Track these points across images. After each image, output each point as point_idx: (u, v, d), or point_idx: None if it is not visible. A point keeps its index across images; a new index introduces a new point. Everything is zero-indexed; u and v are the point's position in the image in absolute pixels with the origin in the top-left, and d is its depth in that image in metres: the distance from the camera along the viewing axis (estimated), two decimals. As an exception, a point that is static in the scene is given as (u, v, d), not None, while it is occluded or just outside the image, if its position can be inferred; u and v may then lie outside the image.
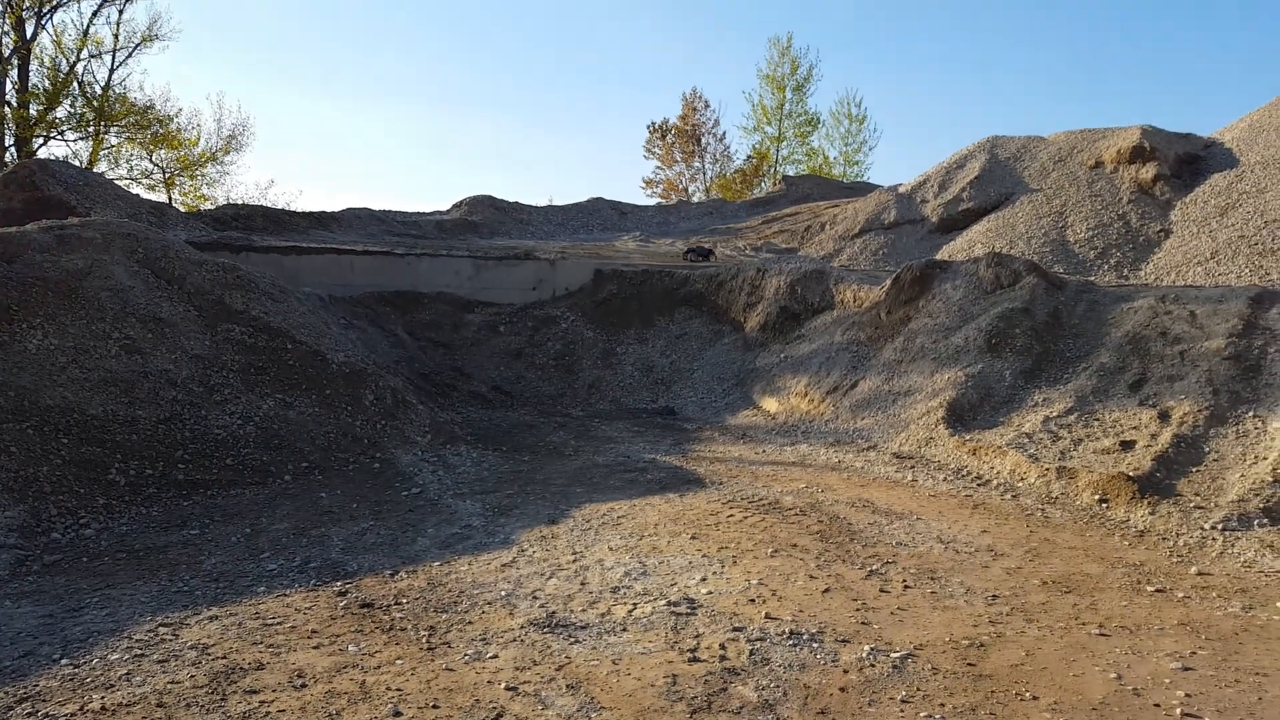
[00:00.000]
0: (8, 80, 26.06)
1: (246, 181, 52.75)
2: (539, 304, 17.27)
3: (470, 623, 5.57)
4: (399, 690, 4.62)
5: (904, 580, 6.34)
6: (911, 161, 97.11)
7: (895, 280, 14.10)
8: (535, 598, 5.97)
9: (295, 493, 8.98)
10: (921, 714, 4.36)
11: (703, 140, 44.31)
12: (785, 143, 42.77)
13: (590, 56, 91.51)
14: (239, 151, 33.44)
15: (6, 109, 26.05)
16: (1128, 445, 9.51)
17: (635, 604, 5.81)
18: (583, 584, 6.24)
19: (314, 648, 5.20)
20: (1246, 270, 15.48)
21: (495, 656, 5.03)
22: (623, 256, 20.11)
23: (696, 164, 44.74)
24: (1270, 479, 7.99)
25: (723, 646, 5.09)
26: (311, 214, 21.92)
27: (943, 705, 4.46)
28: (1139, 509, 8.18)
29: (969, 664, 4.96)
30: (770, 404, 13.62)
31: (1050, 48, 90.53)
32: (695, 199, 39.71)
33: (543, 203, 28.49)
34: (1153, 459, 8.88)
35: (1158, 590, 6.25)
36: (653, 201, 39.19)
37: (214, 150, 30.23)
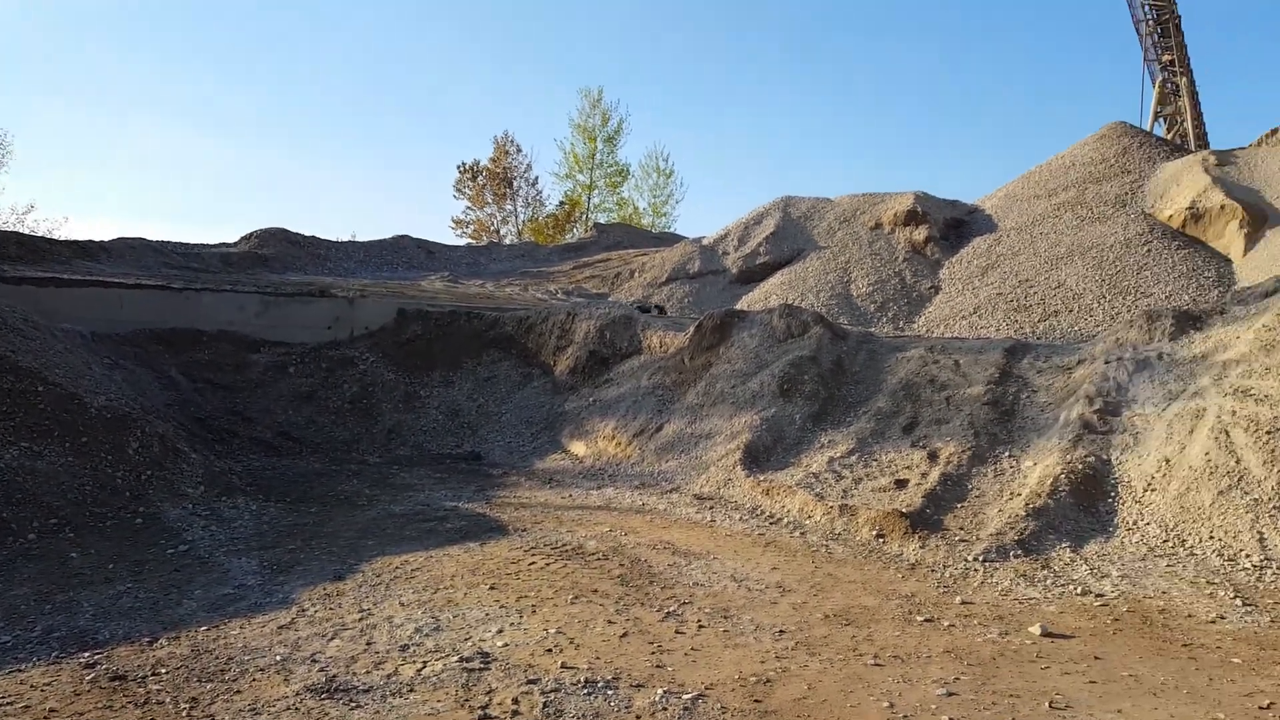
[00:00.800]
0: None
1: (1, 206, 47.26)
2: (335, 344, 16.43)
3: (239, 692, 5.09)
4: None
5: (699, 620, 6.45)
6: (716, 214, 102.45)
7: (698, 327, 14.62)
8: (314, 661, 5.55)
9: (40, 553, 7.94)
10: (710, 756, 4.42)
11: (514, 184, 44.47)
12: (596, 191, 43.85)
13: (402, 93, 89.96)
14: (-4, 171, 29.92)
15: None
16: (902, 484, 10.26)
17: (425, 662, 5.53)
18: (369, 644, 5.88)
19: (47, 731, 4.57)
20: (1004, 324, 17.37)
21: (265, 728, 4.62)
22: (429, 296, 19.61)
23: (508, 206, 44.77)
24: (1024, 513, 8.86)
25: (515, 701, 4.94)
26: (76, 243, 19.89)
27: (730, 745, 4.54)
28: (911, 543, 8.80)
29: (755, 700, 5.09)
30: (578, 447, 13.64)
31: (840, 114, 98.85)
32: (507, 241, 39.64)
33: (345, 238, 27.41)
34: (923, 496, 9.62)
35: (926, 620, 6.70)
36: (463, 242, 38.70)
37: (-42, 169, 26.94)
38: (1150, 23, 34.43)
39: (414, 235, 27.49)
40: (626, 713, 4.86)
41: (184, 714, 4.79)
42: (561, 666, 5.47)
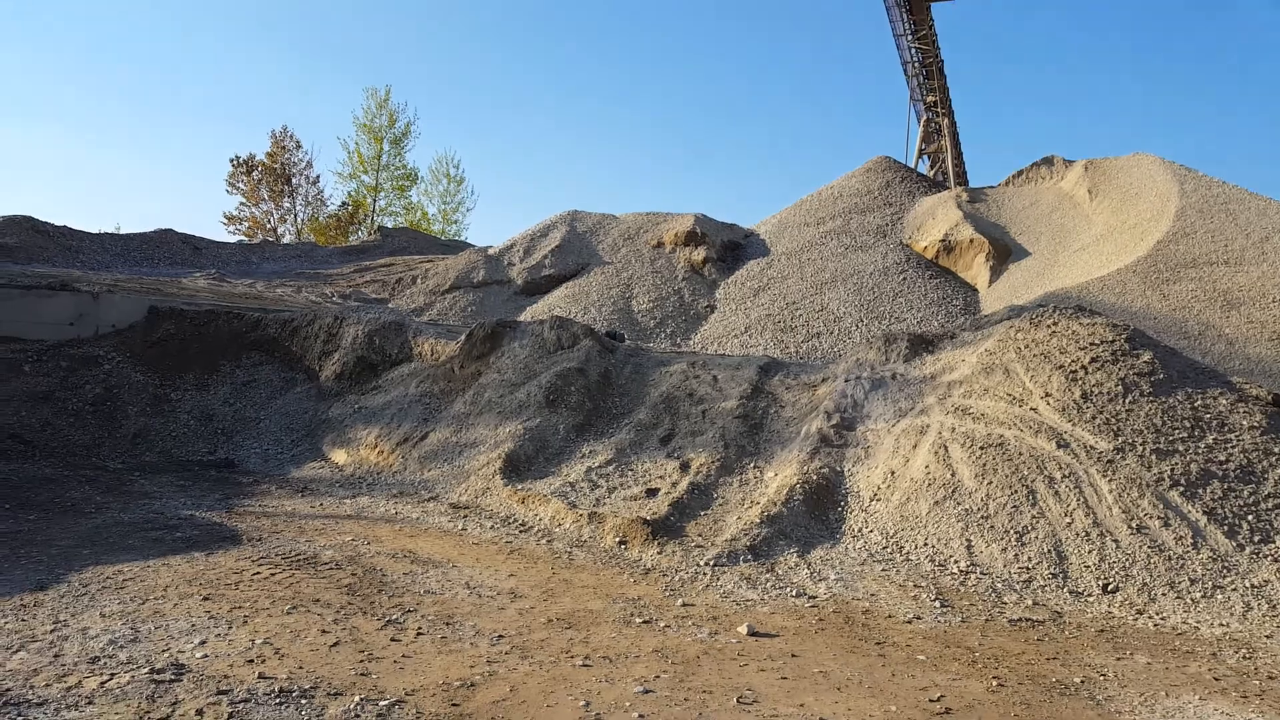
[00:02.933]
0: None
1: None
2: (78, 341, 15.15)
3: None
4: None
5: (419, 627, 6.62)
6: (512, 224, 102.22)
7: (469, 336, 14.75)
8: (-13, 677, 5.25)
9: None
10: (389, 756, 4.62)
11: (294, 181, 42.41)
12: (383, 194, 42.65)
13: (175, 78, 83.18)
14: None
15: None
16: (653, 492, 10.85)
17: (113, 674, 5.36)
18: (56, 656, 5.61)
19: None
20: (772, 343, 18.58)
21: (-91, 752, 4.35)
22: (189, 295, 18.45)
23: (287, 204, 42.59)
24: (758, 520, 9.49)
25: (199, 713, 4.92)
26: None
27: (414, 748, 4.76)
28: (650, 549, 9.29)
29: (454, 704, 5.33)
30: (340, 455, 13.37)
31: (634, 128, 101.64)
32: (285, 240, 37.76)
33: (105, 229, 25.15)
34: (670, 504, 10.19)
35: (644, 621, 7.09)
36: (235, 239, 36.48)
37: None
38: (915, 64, 36.65)
39: (180, 230, 25.71)
40: None
41: None
42: (259, 677, 5.47)
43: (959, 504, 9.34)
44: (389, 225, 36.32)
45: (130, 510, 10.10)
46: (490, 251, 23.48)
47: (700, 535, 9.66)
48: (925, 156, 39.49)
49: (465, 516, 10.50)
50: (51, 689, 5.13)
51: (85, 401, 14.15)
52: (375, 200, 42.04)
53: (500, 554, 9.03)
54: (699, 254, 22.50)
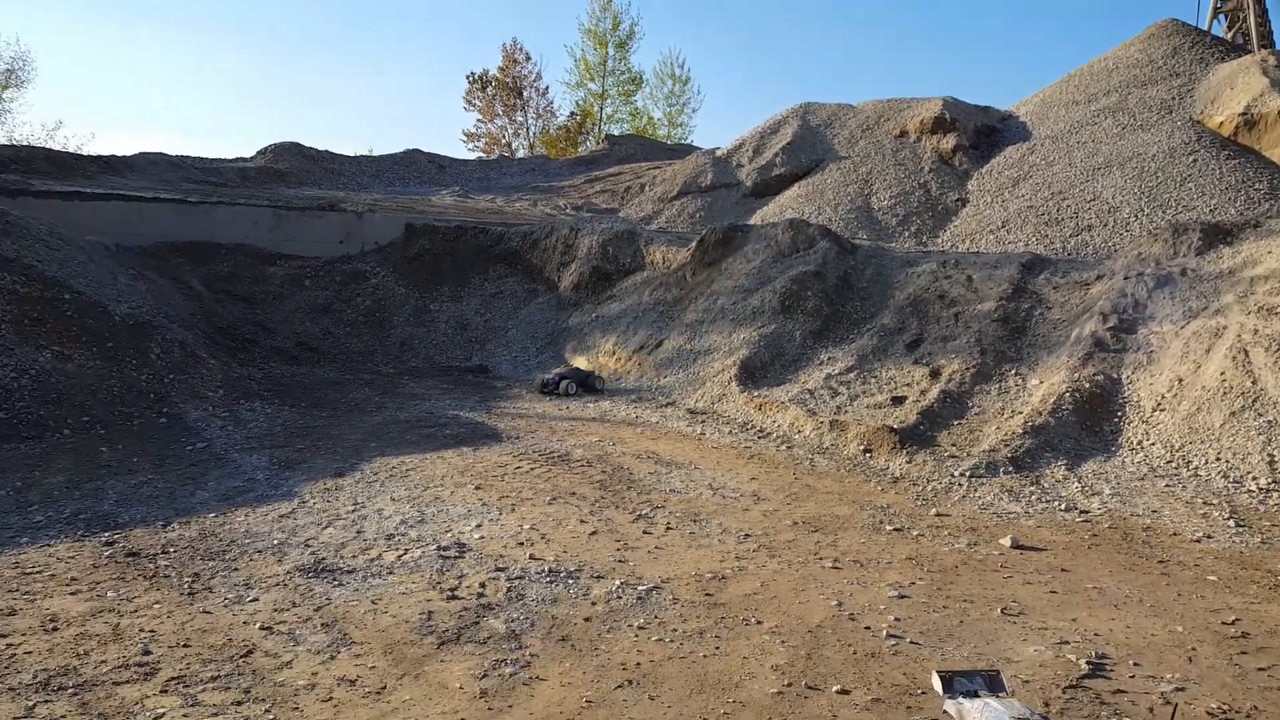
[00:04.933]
0: None
1: (31, 121, 47.54)
2: (347, 258, 16.80)
3: (236, 570, 5.61)
4: (152, 632, 4.67)
5: (668, 523, 6.85)
6: (737, 125, 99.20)
7: (700, 243, 14.74)
8: (307, 546, 6.06)
9: (74, 447, 8.56)
10: (653, 638, 4.83)
11: (524, 94, 43.59)
12: (609, 100, 42.90)
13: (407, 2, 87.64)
14: (19, 88, 30.12)
15: None
16: (899, 400, 10.44)
17: (406, 549, 6.01)
18: (358, 532, 6.37)
19: (71, 594, 5.17)
20: (1034, 238, 16.89)
21: (255, 600, 5.13)
22: (438, 211, 19.81)
23: (519, 118, 43.99)
24: (1021, 430, 8.82)
25: (482, 585, 5.40)
26: (101, 158, 20.24)
27: (674, 630, 4.94)
28: (898, 458, 8.97)
29: (707, 594, 5.49)
30: (580, 362, 14.01)
31: (864, 15, 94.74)
32: (519, 154, 39.18)
33: (360, 152, 27.41)
34: (919, 412, 9.74)
35: (895, 529, 6.94)
36: (474, 156, 38.28)
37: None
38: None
39: (426, 150, 27.49)
40: (583, 599, 5.30)
41: (185, 586, 5.32)
42: (530, 558, 5.91)
43: (1261, 415, 8.24)
44: (615, 133, 36.67)
45: (405, 409, 11.19)
46: (718, 154, 23.10)
47: (954, 445, 9.18)
48: (1221, 16, 33.73)
49: (703, 421, 10.67)
50: (358, 560, 5.83)
51: (358, 313, 15.74)
52: (602, 108, 42.62)
53: (740, 458, 9.12)
54: (948, 142, 20.68)
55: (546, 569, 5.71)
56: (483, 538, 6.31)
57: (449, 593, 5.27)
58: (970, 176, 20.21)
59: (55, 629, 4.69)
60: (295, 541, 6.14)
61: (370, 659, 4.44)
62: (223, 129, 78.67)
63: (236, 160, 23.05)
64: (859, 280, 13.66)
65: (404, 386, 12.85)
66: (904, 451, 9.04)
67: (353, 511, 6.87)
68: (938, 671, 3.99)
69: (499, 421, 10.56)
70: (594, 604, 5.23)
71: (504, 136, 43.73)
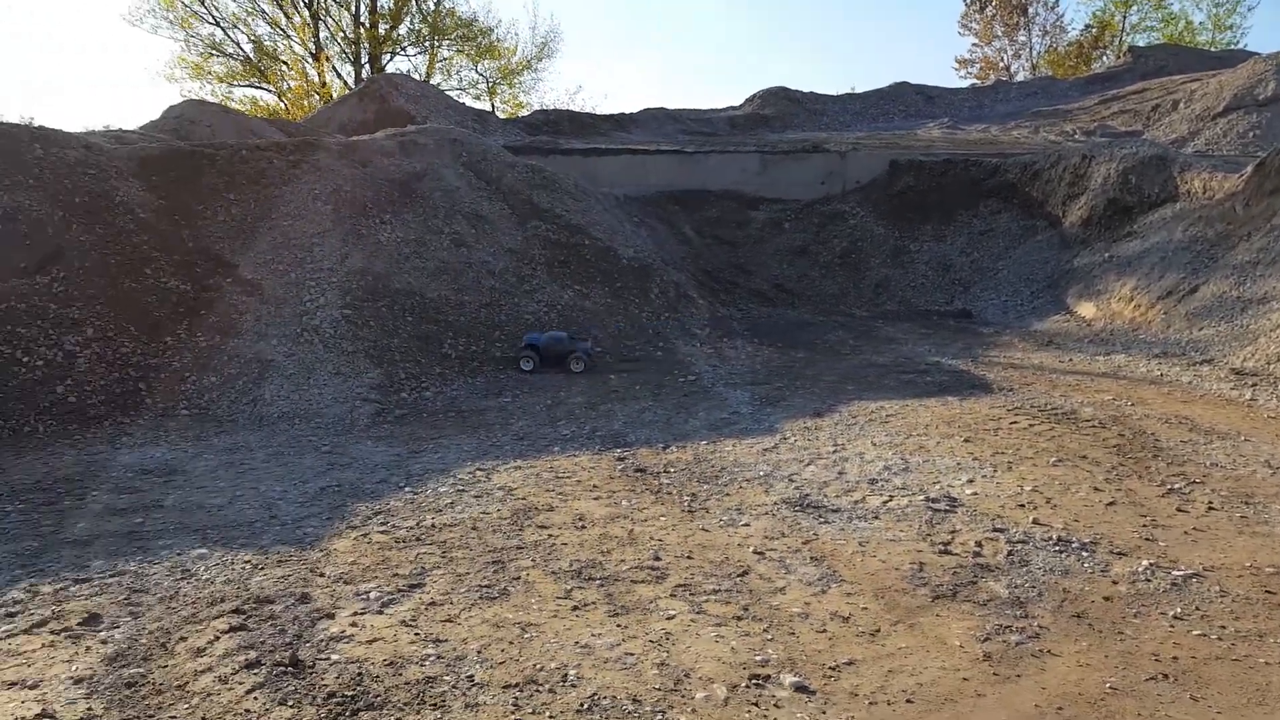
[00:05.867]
0: (362, 4, 29.67)
1: (558, 88, 55.67)
2: (826, 199, 16.76)
3: (728, 495, 5.88)
4: (660, 541, 5.08)
5: (1209, 502, 5.62)
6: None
7: (1259, 167, 11.86)
8: (791, 480, 6.12)
9: (588, 374, 9.82)
10: (1194, 632, 3.95)
11: (1029, 9, 39.09)
12: (1135, 7, 36.62)
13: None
14: (550, 58, 35.17)
15: (361, 29, 29.74)
16: None
17: (891, 496, 5.75)
18: (840, 473, 6.27)
19: (594, 499, 5.86)
20: None
21: (747, 525, 5.30)
22: (924, 145, 18.81)
23: (1021, 37, 39.67)
24: None
25: (979, 544, 4.91)
26: (612, 117, 22.82)
27: (1224, 627, 3.99)
28: None
29: (1268, 591, 4.36)
30: (1086, 309, 12.32)
31: None
32: (1019, 77, 35.39)
33: (843, 90, 27.04)
34: None
35: None
36: (966, 83, 35.45)
37: (528, 58, 32.28)
38: None
39: (913, 82, 26.16)
40: (1102, 576, 4.53)
41: (685, 504, 5.71)
42: (1033, 522, 5.25)
43: None
44: (1141, 45, 31.32)
45: (881, 353, 10.88)
46: (1280, 60, 18.49)
47: None
48: None
49: (1254, 385, 8.64)
50: (842, 500, 5.73)
51: (833, 255, 15.71)
52: (1125, 18, 36.72)
53: (1310, 432, 7.19)
54: None
55: (1054, 536, 5.02)
56: (975, 494, 5.78)
57: (941, 546, 4.89)
58: None
59: (583, 527, 5.34)
60: (779, 475, 6.25)
61: (861, 599, 4.28)
62: (713, 79, 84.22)
63: (726, 109, 24.39)
64: None
65: (879, 330, 12.53)
66: None
67: (833, 452, 6.80)
68: None
69: (987, 371, 9.71)
70: (1115, 583, 4.45)
71: (1002, 60, 40.09)
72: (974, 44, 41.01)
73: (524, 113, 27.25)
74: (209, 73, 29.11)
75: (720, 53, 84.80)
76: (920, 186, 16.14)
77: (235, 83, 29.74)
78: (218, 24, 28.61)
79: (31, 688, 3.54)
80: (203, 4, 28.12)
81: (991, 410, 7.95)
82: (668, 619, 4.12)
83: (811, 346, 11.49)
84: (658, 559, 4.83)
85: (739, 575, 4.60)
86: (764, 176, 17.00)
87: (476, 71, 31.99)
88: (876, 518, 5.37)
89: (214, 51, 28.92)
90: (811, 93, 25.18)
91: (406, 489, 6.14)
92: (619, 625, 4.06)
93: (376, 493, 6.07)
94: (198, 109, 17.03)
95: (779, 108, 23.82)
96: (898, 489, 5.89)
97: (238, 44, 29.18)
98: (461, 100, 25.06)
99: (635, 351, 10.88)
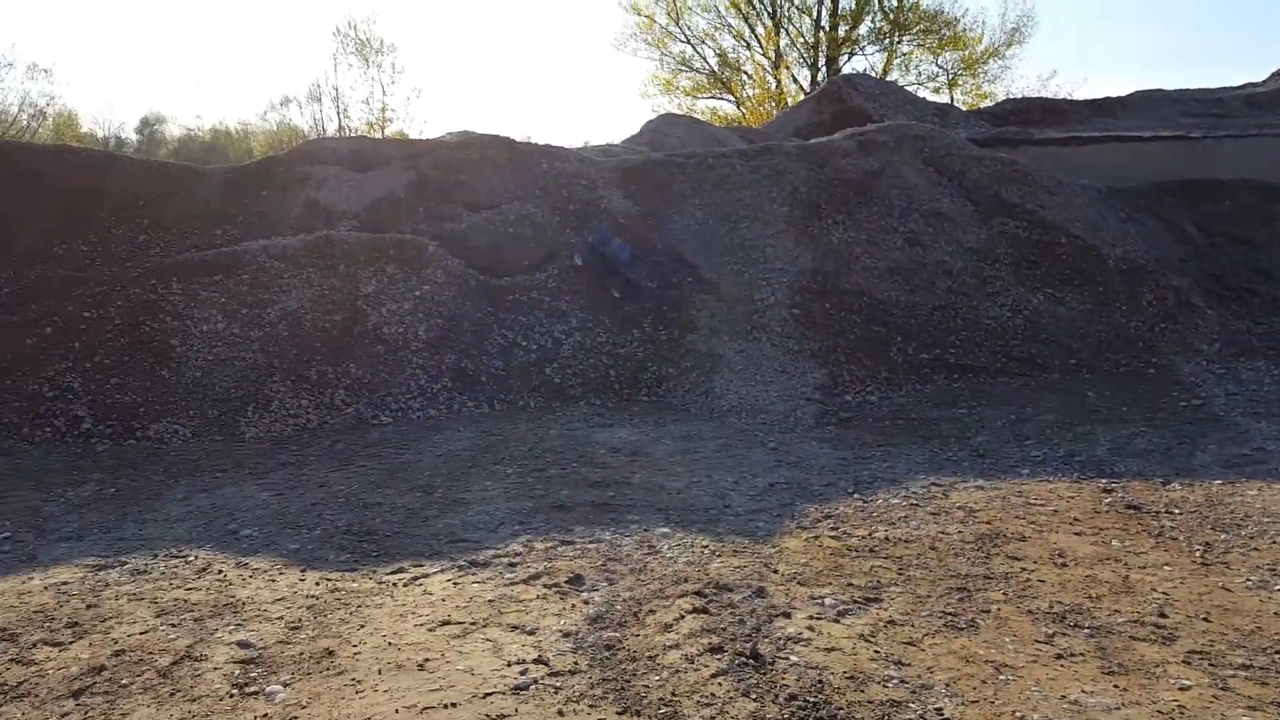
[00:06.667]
0: (823, 8, 30.19)
1: (1027, 75, 51.10)
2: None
3: (1256, 550, 4.71)
4: (1165, 594, 4.22)
5: None
6: None
7: None
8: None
9: (1061, 388, 8.76)
10: None
11: None
12: None
13: None
14: (1020, 44, 32.66)
15: (821, 33, 30.24)
16: None
17: None
18: None
19: (1075, 534, 5.11)
20: None
21: (1286, 593, 4.17)
22: None
23: None
24: None
25: None
26: (1094, 101, 20.18)
27: None
28: None
29: None
30: None
31: None
32: None
33: None
34: None
35: None
36: None
37: (996, 46, 30.14)
38: None
39: None
40: None
41: (1197, 555, 4.68)
42: None
43: None
44: None
45: None
46: None
47: None
48: None
49: None
50: None
51: None
52: None
53: None
54: None
55: None
56: None
57: None
58: None
59: (1064, 565, 4.63)
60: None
61: None
62: (1228, 59, 71.48)
63: (1244, 86, 20.32)
64: None
65: None
66: None
67: None
68: None
69: None
70: None
71: None
72: None
73: (986, 103, 25.56)
74: (677, 87, 32.00)
75: (1220, 27, 71.67)
76: None
77: (699, 95, 32.29)
78: (688, 41, 31.30)
79: (529, 633, 3.96)
80: (676, 23, 31.00)
81: None
82: (1180, 689, 3.35)
83: None
84: (1163, 615, 3.99)
85: (1276, 652, 3.61)
86: (1298, 163, 13.75)
87: (937, 64, 30.86)
88: None
89: (683, 67, 31.70)
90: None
91: (855, 495, 5.92)
92: (1116, 686, 3.39)
93: (824, 495, 5.94)
94: (670, 122, 18.67)
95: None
96: None
97: (704, 58, 31.66)
98: (920, 94, 24.26)
99: (1120, 366, 9.42)
